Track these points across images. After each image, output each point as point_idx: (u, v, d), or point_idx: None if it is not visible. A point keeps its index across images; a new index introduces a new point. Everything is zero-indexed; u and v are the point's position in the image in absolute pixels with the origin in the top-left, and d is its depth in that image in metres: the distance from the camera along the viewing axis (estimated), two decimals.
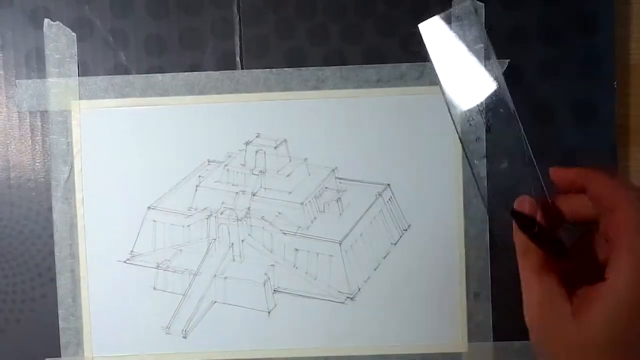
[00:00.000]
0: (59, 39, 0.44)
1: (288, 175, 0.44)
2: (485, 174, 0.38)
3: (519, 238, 0.34)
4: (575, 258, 0.34)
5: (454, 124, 0.36)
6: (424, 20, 0.33)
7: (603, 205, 0.32)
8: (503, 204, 0.36)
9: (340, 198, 0.44)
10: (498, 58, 0.43)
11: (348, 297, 0.44)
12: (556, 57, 0.44)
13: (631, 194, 0.32)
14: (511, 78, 0.43)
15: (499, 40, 0.44)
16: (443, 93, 0.35)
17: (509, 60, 0.44)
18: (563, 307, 0.32)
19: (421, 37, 0.34)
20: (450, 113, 0.36)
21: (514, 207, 0.35)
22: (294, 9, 0.44)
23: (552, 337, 0.32)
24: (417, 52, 0.43)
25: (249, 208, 0.44)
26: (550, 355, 0.33)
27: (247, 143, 0.44)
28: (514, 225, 0.34)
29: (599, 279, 0.31)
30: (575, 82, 0.44)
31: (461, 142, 0.37)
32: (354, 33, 0.44)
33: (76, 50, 0.44)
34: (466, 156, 0.38)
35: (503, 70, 0.44)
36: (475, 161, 0.38)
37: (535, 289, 0.33)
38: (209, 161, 0.44)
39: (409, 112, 0.44)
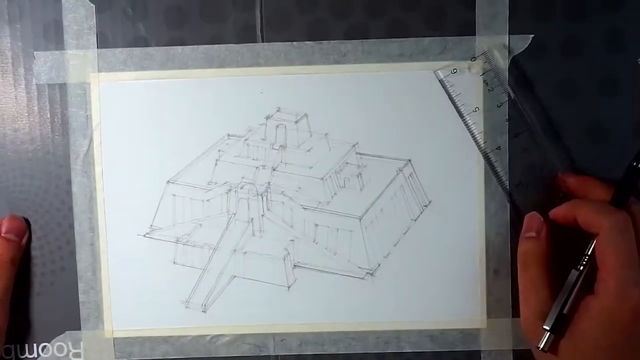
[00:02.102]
0: (77, 10, 0.44)
1: (308, 150, 0.45)
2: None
3: (523, 249, 0.41)
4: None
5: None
6: None
7: (590, 230, 0.39)
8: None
9: (360, 173, 0.45)
10: (522, 33, 0.44)
11: (368, 273, 0.45)
12: (580, 32, 0.44)
13: (612, 219, 0.38)
14: (535, 53, 0.44)
15: (523, 15, 0.44)
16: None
17: (532, 35, 0.44)
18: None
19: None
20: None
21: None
22: None
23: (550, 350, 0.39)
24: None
25: (269, 183, 0.45)
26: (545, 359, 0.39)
27: (267, 117, 0.45)
28: (521, 237, 0.42)
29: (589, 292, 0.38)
30: (599, 58, 0.44)
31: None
32: (377, 6, 0.44)
33: (95, 21, 0.44)
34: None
35: (527, 45, 0.44)
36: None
37: (533, 299, 0.40)
38: (229, 135, 0.45)
39: (431, 87, 0.44)
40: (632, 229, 0.38)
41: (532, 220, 0.42)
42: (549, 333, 0.38)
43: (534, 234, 0.41)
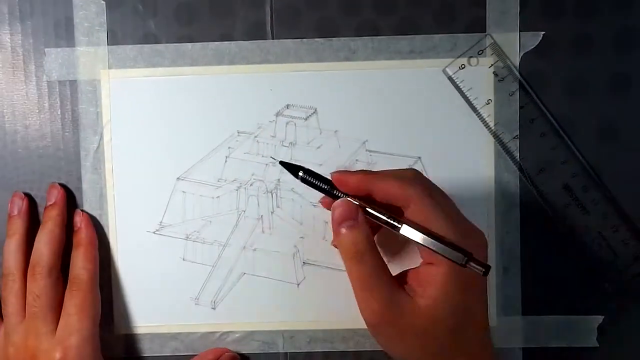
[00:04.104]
0: (88, 7, 0.45)
1: (318, 147, 0.46)
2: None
3: (352, 239, 0.37)
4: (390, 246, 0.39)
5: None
6: None
7: (398, 204, 0.37)
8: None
9: None
10: (533, 30, 0.45)
11: None
12: (591, 30, 0.45)
13: (419, 188, 0.37)
14: (545, 50, 0.45)
15: (534, 12, 0.45)
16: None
17: (543, 32, 0.45)
18: (401, 301, 0.36)
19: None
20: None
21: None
22: None
23: (400, 334, 0.37)
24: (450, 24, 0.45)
25: (278, 180, 0.46)
26: (402, 352, 0.38)
27: (277, 114, 0.45)
28: (339, 227, 0.37)
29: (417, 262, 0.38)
30: (609, 55, 0.45)
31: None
32: (387, 3, 0.45)
33: (105, 18, 0.45)
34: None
35: (537, 42, 0.45)
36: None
37: (372, 298, 0.37)
38: (238, 132, 0.46)
39: (441, 84, 0.45)
40: (439, 189, 0.38)
41: (345, 207, 0.38)
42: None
43: (351, 222, 0.37)
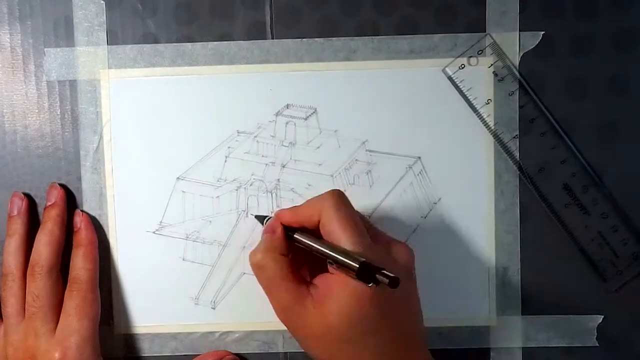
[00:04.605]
0: (87, 7, 0.45)
1: (318, 147, 0.46)
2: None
3: (254, 257, 0.40)
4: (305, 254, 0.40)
5: None
6: None
7: (315, 219, 0.39)
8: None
9: (370, 170, 0.46)
10: (532, 30, 0.45)
11: None
12: (591, 30, 0.45)
13: (327, 197, 0.39)
14: (545, 51, 0.45)
15: (533, 12, 0.45)
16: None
17: (543, 32, 0.45)
18: (306, 303, 0.38)
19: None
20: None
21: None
22: None
23: (304, 332, 0.39)
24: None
25: (278, 180, 0.46)
26: (308, 348, 0.40)
27: (277, 114, 0.45)
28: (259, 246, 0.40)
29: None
30: (609, 56, 0.45)
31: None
32: (387, 3, 0.45)
33: (105, 18, 0.45)
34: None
35: (537, 42, 0.45)
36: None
37: (280, 296, 0.39)
38: (238, 132, 0.46)
39: (441, 84, 0.45)
40: (349, 202, 0.39)
41: (270, 222, 0.42)
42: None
43: (269, 234, 0.41)
